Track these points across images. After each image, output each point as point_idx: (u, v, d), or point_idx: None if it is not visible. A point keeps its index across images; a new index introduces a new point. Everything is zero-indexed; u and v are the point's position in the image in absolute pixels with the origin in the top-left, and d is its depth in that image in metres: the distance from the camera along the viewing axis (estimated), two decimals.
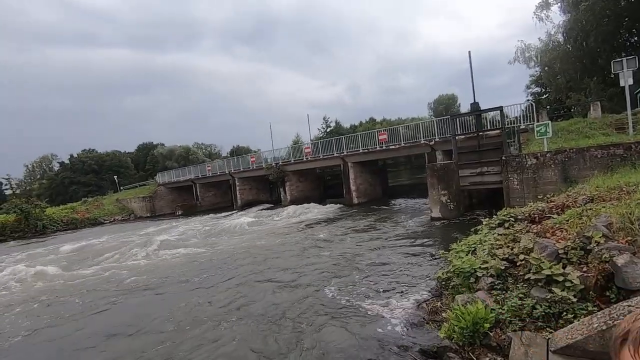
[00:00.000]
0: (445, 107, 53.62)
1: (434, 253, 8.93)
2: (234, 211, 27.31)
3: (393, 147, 20.10)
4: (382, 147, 20.56)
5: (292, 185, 26.64)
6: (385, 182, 27.82)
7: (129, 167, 63.68)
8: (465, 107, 55.19)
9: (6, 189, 68.69)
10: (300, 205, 22.65)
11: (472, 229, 7.69)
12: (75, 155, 60.64)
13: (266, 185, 31.33)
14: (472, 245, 6.40)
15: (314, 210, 21.19)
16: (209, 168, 33.23)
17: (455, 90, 74.26)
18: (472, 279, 5.11)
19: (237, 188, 30.01)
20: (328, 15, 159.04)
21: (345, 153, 22.26)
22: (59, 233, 28.26)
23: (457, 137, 14.71)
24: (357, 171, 22.62)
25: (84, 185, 54.87)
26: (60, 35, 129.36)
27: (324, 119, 57.47)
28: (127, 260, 12.57)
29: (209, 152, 71.48)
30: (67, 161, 61.50)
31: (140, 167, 65.74)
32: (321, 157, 24.08)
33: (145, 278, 9.67)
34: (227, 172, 30.54)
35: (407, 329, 4.98)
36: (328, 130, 55.93)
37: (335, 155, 22.83)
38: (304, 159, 25.33)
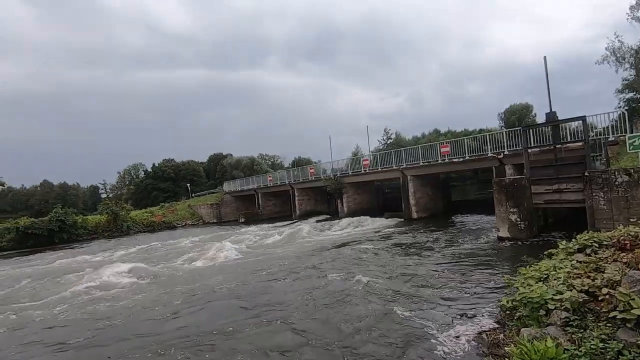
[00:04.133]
0: (517, 117, 49.48)
1: (498, 277, 8.14)
2: (293, 221, 27.93)
3: (457, 160, 19.00)
4: (444, 160, 19.56)
5: (349, 197, 26.53)
6: (448, 196, 26.34)
7: (201, 175, 69.04)
8: (541, 118, 50.46)
9: (102, 193, 78.75)
10: (356, 218, 22.39)
11: (546, 253, 6.86)
12: (156, 164, 67.53)
13: (324, 196, 31.63)
14: (545, 272, 5.67)
15: (370, 223, 20.78)
16: (270, 178, 34.62)
17: (530, 99, 68.29)
18: (542, 312, 4.51)
19: (296, 198, 30.73)
20: (393, 25, 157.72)
21: (404, 166, 21.60)
22: (140, 234, 31.48)
23: (530, 150, 13.40)
24: (417, 185, 21.76)
25: (163, 192, 60.66)
26: (147, 58, 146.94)
27: (384, 130, 56.74)
28: (219, 258, 13.64)
29: (272, 162, 74.64)
30: (150, 169, 68.71)
31: (211, 175, 70.92)
32: (380, 169, 23.66)
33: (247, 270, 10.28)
34: (287, 182, 31.51)
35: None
36: (388, 142, 55.03)
37: (394, 168, 22.26)
38: (362, 171, 25.11)
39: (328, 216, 28.00)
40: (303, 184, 30.31)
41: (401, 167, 21.76)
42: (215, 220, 36.65)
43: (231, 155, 73.07)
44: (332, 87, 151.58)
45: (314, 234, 19.20)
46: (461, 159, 18.80)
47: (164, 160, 67.83)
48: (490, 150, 17.36)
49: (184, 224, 36.02)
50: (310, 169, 30.53)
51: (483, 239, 13.51)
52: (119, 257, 16.72)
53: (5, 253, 25.50)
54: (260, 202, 35.51)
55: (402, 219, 21.41)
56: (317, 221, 25.57)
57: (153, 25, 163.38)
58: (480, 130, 45.93)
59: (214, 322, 6.84)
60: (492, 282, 7.95)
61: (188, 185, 51.85)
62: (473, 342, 4.98)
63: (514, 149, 16.18)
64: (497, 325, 5.27)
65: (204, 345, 5.79)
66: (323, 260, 11.88)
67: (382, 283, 8.51)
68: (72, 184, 76.05)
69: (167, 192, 60.43)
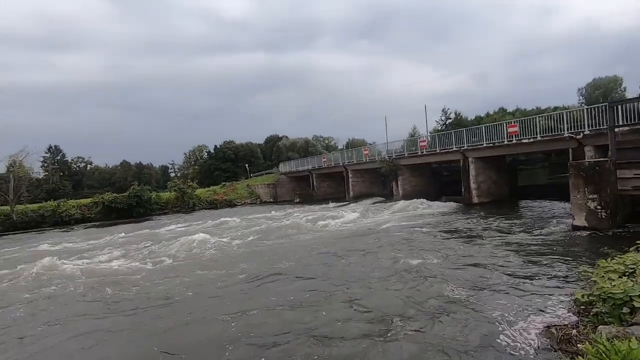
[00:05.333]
0: (603, 92, 43.68)
1: (570, 269, 7.44)
2: (346, 202, 28.04)
3: (526, 141, 17.42)
4: (511, 141, 18.05)
5: (404, 179, 25.83)
6: (514, 181, 24.39)
7: (259, 157, 71.82)
8: (633, 92, 43.81)
9: (171, 172, 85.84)
10: (411, 201, 21.77)
11: (634, 247, 6.08)
12: (218, 146, 71.50)
13: (379, 178, 31.17)
14: (631, 266, 5.04)
15: (427, 207, 20.09)
16: (325, 160, 34.89)
17: (619, 72, 59.45)
18: (626, 309, 4.04)
19: (350, 180, 30.70)
20: None
21: (465, 147, 20.35)
22: (204, 210, 33.96)
23: (617, 130, 11.80)
24: (479, 167, 20.43)
25: (224, 172, 64.30)
26: (207, 45, 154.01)
27: (443, 110, 53.84)
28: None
29: (327, 144, 75.08)
30: (212, 151, 73.03)
31: (267, 157, 73.47)
32: (438, 151, 22.59)
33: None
34: (341, 164, 31.53)
35: (531, 354, 4.28)
36: (447, 122, 52.16)
37: (454, 149, 21.09)
38: (419, 153, 24.19)
39: (382, 199, 27.61)
40: (357, 165, 30.11)
41: (462, 148, 20.53)
42: (271, 200, 38.18)
43: (286, 137, 74.80)
44: (386, 67, 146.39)
45: (368, 216, 19.13)
46: (531, 140, 17.18)
47: (224, 142, 71.54)
48: (567, 130, 15.61)
49: (243, 202, 38.02)
50: (365, 150, 30.14)
51: (554, 227, 12.37)
52: (203, 228, 18.23)
53: (96, 223, 29.23)
54: (314, 183, 36.11)
55: (462, 204, 20.38)
56: (372, 203, 25.37)
57: (211, 13, 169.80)
58: (555, 108, 41.34)
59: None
60: (563, 273, 7.30)
61: (246, 165, 54.37)
62: (541, 336, 4.65)
63: (597, 128, 14.36)
64: (568, 321, 4.85)
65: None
66: (381, 243, 11.82)
67: (440, 268, 8.25)
68: (146, 164, 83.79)
69: (227, 172, 63.91)
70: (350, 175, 30.70)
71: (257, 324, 5.80)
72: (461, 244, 10.83)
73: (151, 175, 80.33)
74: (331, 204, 27.43)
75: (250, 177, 49.16)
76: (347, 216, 19.08)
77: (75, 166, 75.27)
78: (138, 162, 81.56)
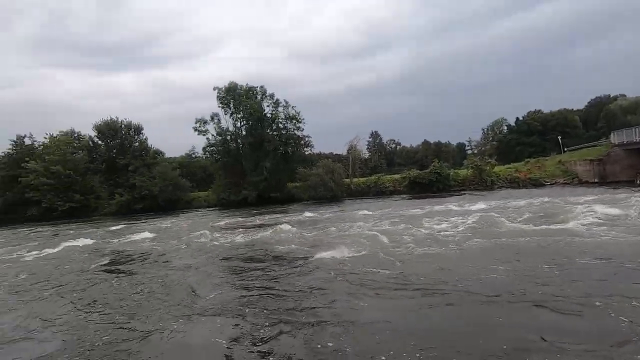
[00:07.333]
0: None
1: None
2: None
3: None
4: None
5: None
6: None
7: (577, 126, 57.89)
8: None
9: (467, 149, 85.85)
10: None
11: None
12: (520, 118, 63.71)
13: None
14: None
15: None
16: None
17: None
18: None
19: None
20: None
21: None
22: (503, 189, 31.66)
23: None
24: None
25: (529, 146, 56.79)
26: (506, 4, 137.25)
27: None
28: None
29: None
30: (513, 124, 66.08)
31: (590, 125, 57.75)
32: None
33: None
34: None
35: None
36: None
37: None
38: None
39: None
40: None
41: None
42: (595, 180, 29.79)
43: (622, 96, 55.29)
44: None
45: None
46: None
47: (529, 112, 62.76)
48: None
49: (552, 182, 32.14)
50: None
51: None
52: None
53: (403, 196, 34.42)
54: None
55: None
56: None
57: None
58: None
59: None
60: None
61: (559, 138, 45.13)
62: None
63: None
64: None
65: None
66: None
67: None
68: (444, 142, 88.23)
69: (532, 146, 55.98)
70: None
71: None
72: None
73: (448, 152, 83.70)
74: None
75: (565, 151, 40.51)
76: None
77: (388, 147, 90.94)
78: (437, 141, 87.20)
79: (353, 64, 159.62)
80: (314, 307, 5.99)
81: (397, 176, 40.51)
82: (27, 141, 45.77)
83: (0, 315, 7.04)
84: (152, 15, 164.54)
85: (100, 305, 7.12)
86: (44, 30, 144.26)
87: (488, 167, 35.21)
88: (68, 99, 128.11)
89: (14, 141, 45.02)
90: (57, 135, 45.14)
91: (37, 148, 44.59)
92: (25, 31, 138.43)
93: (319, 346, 4.57)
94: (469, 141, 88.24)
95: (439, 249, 9.63)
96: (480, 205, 18.95)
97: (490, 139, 78.09)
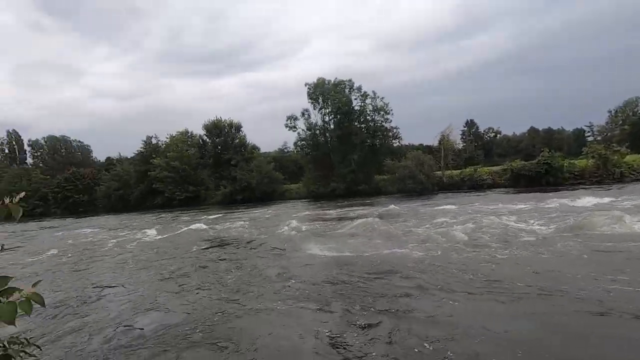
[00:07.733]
0: None
1: None
2: None
3: None
4: None
5: None
6: None
7: None
8: None
9: (588, 135, 73.22)
10: None
11: None
12: None
13: None
14: None
15: None
16: None
17: None
18: None
19: None
20: None
21: None
22: (637, 182, 26.19)
23: None
24: None
25: None
26: None
27: None
28: None
29: None
30: None
31: None
32: None
33: None
34: None
35: None
36: None
37: None
38: None
39: None
40: None
41: None
42: None
43: None
44: None
45: None
46: None
47: None
48: None
49: None
50: None
51: None
52: None
53: (504, 190, 31.05)
54: None
55: None
56: None
57: None
58: None
59: None
60: None
61: None
62: None
63: None
64: None
65: None
66: None
67: None
68: (556, 129, 76.70)
69: None
70: None
71: None
72: None
73: (562, 140, 72.62)
74: None
75: None
76: None
77: (486, 136, 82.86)
78: (547, 127, 76.39)
79: (445, 48, 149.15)
80: (405, 307, 5.82)
81: (496, 168, 36.73)
82: (154, 141, 54.74)
83: (135, 286, 8.51)
84: (245, 23, 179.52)
85: (214, 283, 8.08)
86: (164, 45, 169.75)
87: (617, 156, 29.44)
88: (182, 104, 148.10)
89: (144, 141, 54.44)
90: (175, 135, 52.98)
91: (160, 146, 53.02)
92: (151, 47, 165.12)
93: (416, 350, 4.43)
94: (589, 126, 74.99)
95: (537, 250, 8.47)
96: (603, 199, 16.06)
97: (620, 122, 64.95)
